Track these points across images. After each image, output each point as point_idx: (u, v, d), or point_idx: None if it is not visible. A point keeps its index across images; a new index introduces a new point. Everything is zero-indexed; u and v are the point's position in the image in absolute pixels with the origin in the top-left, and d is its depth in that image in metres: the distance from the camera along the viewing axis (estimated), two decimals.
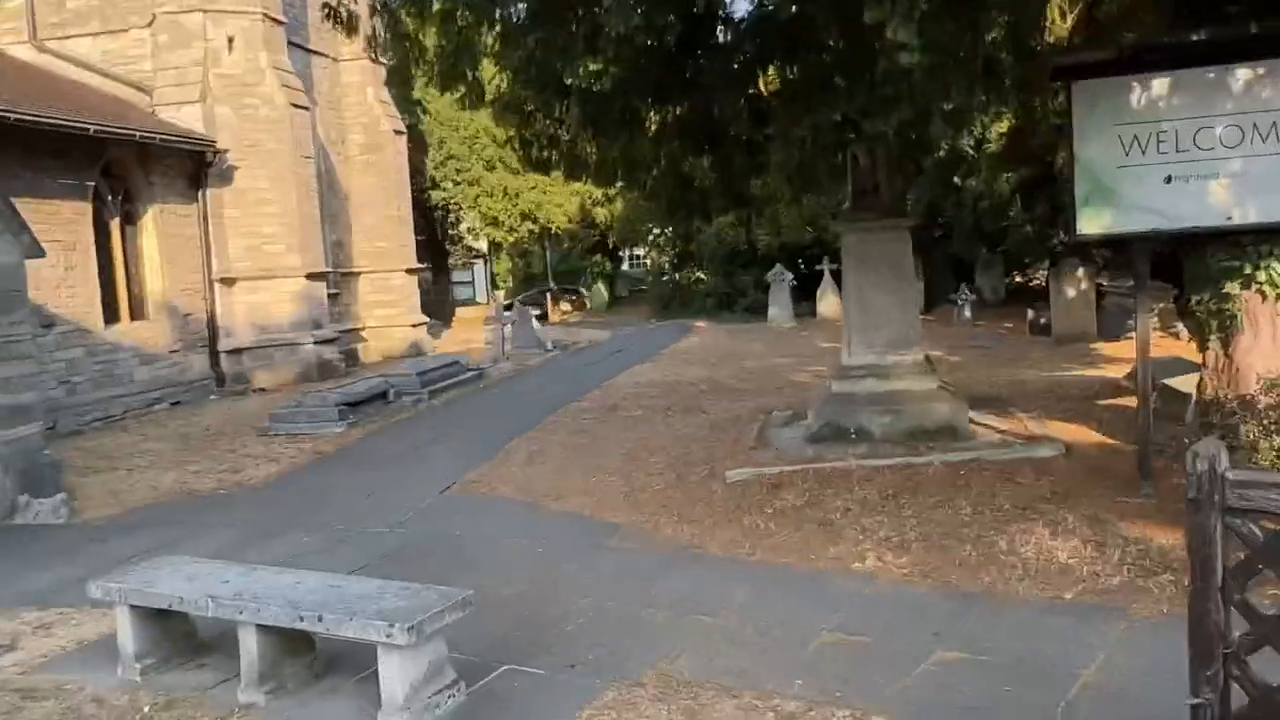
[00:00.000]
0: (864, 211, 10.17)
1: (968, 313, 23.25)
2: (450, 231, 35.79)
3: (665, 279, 32.65)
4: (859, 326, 10.18)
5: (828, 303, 26.82)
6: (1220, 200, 7.34)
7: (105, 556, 8.12)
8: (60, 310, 14.68)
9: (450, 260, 37.53)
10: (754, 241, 27.87)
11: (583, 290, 37.56)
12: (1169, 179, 7.42)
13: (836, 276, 26.75)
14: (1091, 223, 7.65)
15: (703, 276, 31.11)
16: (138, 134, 15.56)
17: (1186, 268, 8.06)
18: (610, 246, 34.69)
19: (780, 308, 25.53)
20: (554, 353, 21.88)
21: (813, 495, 8.61)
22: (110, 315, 15.91)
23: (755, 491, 8.88)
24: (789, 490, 8.78)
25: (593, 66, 9.01)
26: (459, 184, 30.98)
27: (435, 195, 31.80)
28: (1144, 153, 7.45)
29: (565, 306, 36.74)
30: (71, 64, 17.92)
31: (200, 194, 17.71)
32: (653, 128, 8.81)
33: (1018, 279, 29.19)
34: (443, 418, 14.36)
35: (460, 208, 33.19)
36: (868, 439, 9.77)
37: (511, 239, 38.68)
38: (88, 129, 14.51)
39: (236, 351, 18.33)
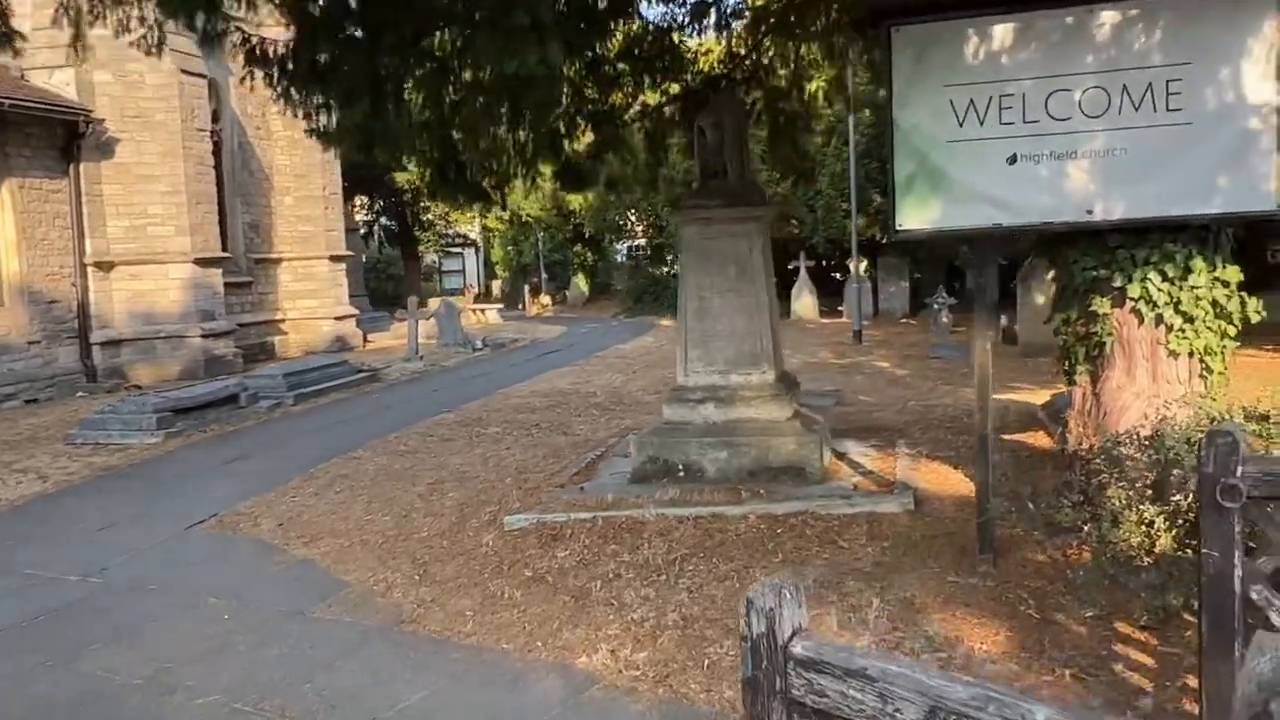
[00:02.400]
0: (706, 198, 8.34)
1: (944, 318, 21.16)
2: (424, 217, 34.09)
3: (639, 272, 30.72)
4: (697, 339, 8.34)
5: (803, 303, 24.84)
6: (1079, 188, 5.46)
7: None
8: None
9: (420, 248, 35.81)
10: None
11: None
12: (1014, 158, 5.55)
13: (812, 274, 24.93)
14: (915, 214, 5.78)
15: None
16: None
17: (1055, 275, 6.17)
18: (586, 236, 32.76)
19: None
20: (482, 351, 20.15)
21: (590, 553, 6.88)
22: None
23: (530, 544, 7.16)
24: (567, 545, 7.06)
25: None
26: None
27: (401, 177, 30.11)
28: (982, 123, 5.58)
29: (545, 300, 34.99)
30: None
31: (72, 168, 16.12)
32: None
33: None
34: (285, 427, 12.69)
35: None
36: (699, 478, 7.96)
37: (500, 227, 37.02)
38: None
39: (113, 344, 16.76)
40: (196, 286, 17.30)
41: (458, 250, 43.95)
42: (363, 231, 34.23)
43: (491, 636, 5.85)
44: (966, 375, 14.83)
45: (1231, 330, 5.62)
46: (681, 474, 8.03)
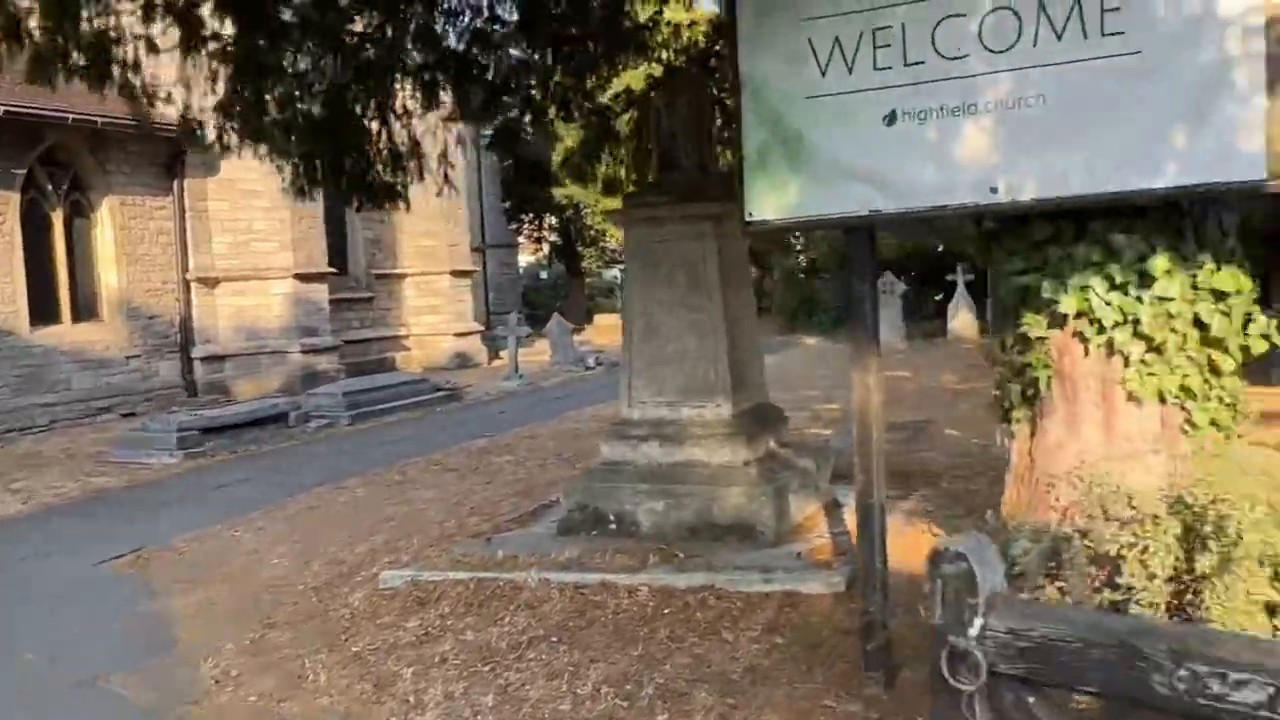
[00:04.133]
0: (655, 194, 6.92)
1: None
2: (589, 232, 33.52)
3: (797, 285, 28.74)
4: (643, 364, 6.91)
5: (962, 320, 22.37)
6: (979, 155, 3.78)
7: None
8: None
9: (584, 264, 35.25)
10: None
11: None
12: (892, 116, 3.92)
13: (971, 288, 22.41)
14: (770, 198, 4.22)
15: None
16: (70, 118, 14.19)
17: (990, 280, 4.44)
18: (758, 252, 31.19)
19: (887, 325, 21.24)
20: (594, 370, 19.10)
21: (439, 626, 5.67)
22: (46, 315, 14.65)
23: (391, 609, 6.02)
24: (424, 613, 5.88)
25: None
26: (576, 182, 28.49)
27: (559, 192, 29.63)
28: (851, 69, 3.99)
29: None
30: None
31: (175, 184, 16.26)
32: None
33: None
34: (315, 450, 12.00)
35: (587, 207, 30.84)
36: (631, 533, 6.55)
37: None
38: None
39: (216, 358, 16.78)
40: (298, 302, 17.13)
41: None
42: (531, 249, 34.03)
43: None
44: None
45: (1228, 363, 3.75)
46: (613, 526, 6.63)
